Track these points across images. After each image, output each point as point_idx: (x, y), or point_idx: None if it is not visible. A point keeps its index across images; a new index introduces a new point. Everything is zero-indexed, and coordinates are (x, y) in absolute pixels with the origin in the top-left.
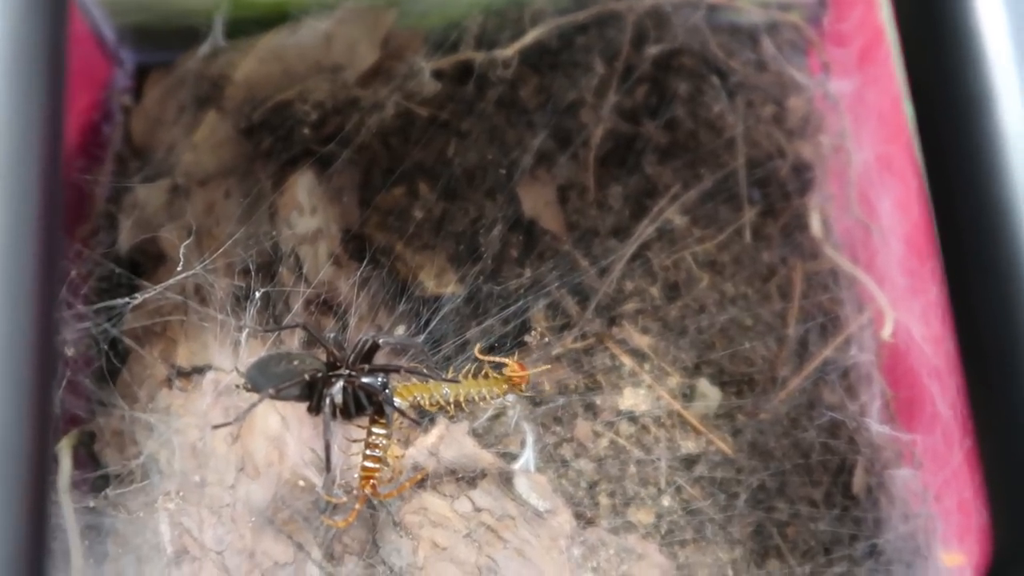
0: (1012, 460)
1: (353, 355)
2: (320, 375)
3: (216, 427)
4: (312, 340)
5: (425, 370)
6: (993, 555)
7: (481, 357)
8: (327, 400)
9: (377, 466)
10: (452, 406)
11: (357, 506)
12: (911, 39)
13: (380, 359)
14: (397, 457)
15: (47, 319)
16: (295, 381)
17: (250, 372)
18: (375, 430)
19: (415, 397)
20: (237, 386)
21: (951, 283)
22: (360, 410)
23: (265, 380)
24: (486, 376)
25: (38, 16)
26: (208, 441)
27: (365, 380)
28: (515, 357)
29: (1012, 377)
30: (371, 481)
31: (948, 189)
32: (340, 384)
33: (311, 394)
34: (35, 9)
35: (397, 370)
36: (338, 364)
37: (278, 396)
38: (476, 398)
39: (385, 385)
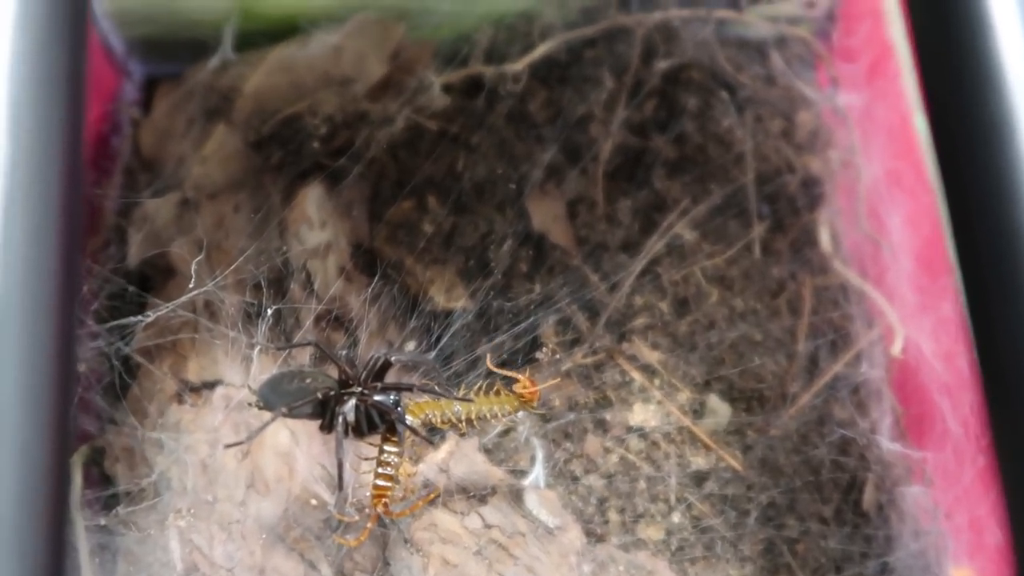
0: None
1: (365, 373)
2: (332, 393)
3: (228, 446)
4: (324, 357)
5: (437, 388)
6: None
7: (494, 369)
8: (339, 418)
9: (389, 484)
10: (464, 423)
11: (369, 525)
12: (927, 53)
13: (391, 376)
14: (409, 475)
15: (66, 336)
16: (308, 400)
17: (262, 390)
18: (387, 448)
19: (427, 415)
20: (249, 404)
21: (969, 298)
22: (372, 428)
23: (277, 398)
24: (497, 393)
25: (58, 31)
26: (218, 457)
27: (377, 398)
28: (526, 373)
29: None
30: (383, 499)
31: (966, 203)
32: (352, 402)
33: (323, 412)
34: (55, 25)
35: (410, 388)
36: (350, 382)
37: (291, 415)
38: (488, 415)
39: (397, 403)
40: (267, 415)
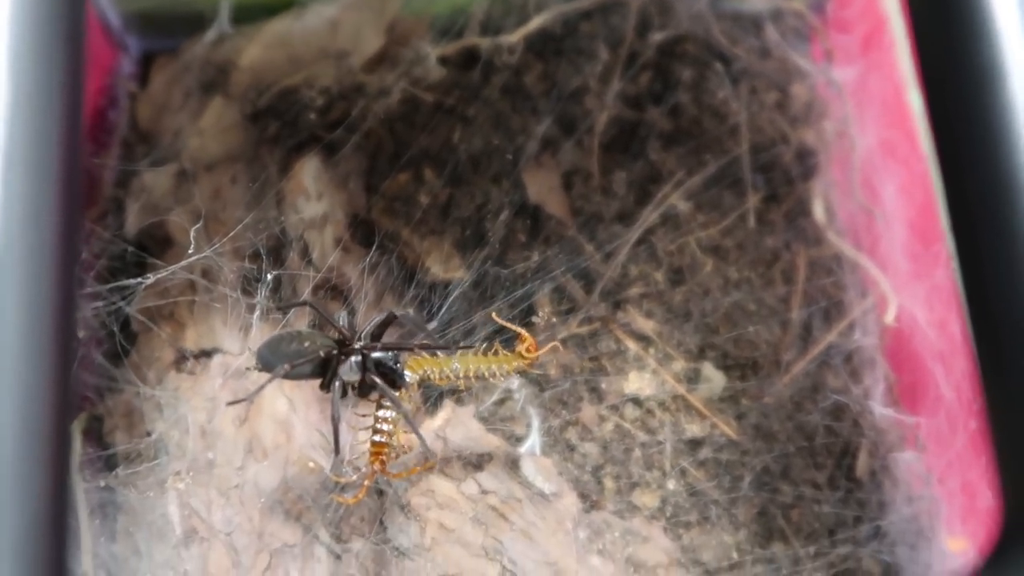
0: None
1: (365, 331)
2: (334, 352)
3: (231, 403)
4: (320, 320)
5: (435, 344)
6: (1002, 530)
7: (500, 321)
8: (336, 379)
9: (386, 441)
10: (462, 380)
11: (366, 482)
12: (922, 23)
13: (388, 338)
14: (405, 432)
15: (67, 299)
16: (309, 358)
17: (261, 352)
18: (384, 404)
19: (425, 371)
20: (248, 368)
21: (963, 264)
22: (374, 386)
23: (276, 359)
24: (496, 353)
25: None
26: (216, 423)
27: (377, 355)
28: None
29: None
30: (380, 457)
31: (960, 172)
32: (352, 360)
33: (323, 371)
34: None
35: (410, 348)
36: (347, 342)
37: (292, 375)
38: (486, 374)
39: (396, 360)
40: (264, 377)
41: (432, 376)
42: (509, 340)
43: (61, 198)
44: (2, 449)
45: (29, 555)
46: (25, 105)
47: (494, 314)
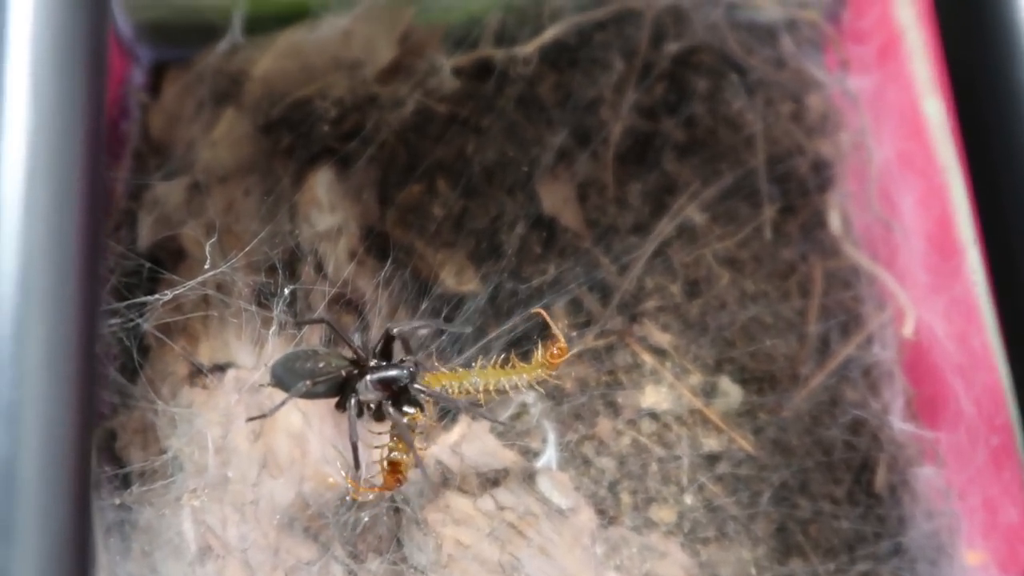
0: None
1: (378, 348)
2: (351, 372)
3: (250, 420)
4: (334, 337)
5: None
6: None
7: (543, 315)
8: (351, 399)
9: (403, 459)
10: (482, 395)
11: (371, 496)
12: (949, 29)
13: (399, 350)
14: (421, 449)
15: (92, 318)
16: (330, 377)
17: (275, 369)
18: (398, 416)
19: (444, 386)
20: (261, 385)
21: (993, 276)
22: (392, 405)
23: (290, 377)
24: (513, 366)
25: (80, 11)
26: (231, 438)
27: (390, 373)
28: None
29: None
30: (396, 476)
31: (991, 182)
32: (368, 380)
33: (338, 391)
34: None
35: (417, 365)
36: (362, 362)
37: (309, 393)
38: (507, 386)
39: (414, 376)
40: (279, 394)
41: (451, 390)
42: (525, 354)
43: (85, 215)
44: (28, 468)
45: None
46: (48, 121)
47: (540, 310)
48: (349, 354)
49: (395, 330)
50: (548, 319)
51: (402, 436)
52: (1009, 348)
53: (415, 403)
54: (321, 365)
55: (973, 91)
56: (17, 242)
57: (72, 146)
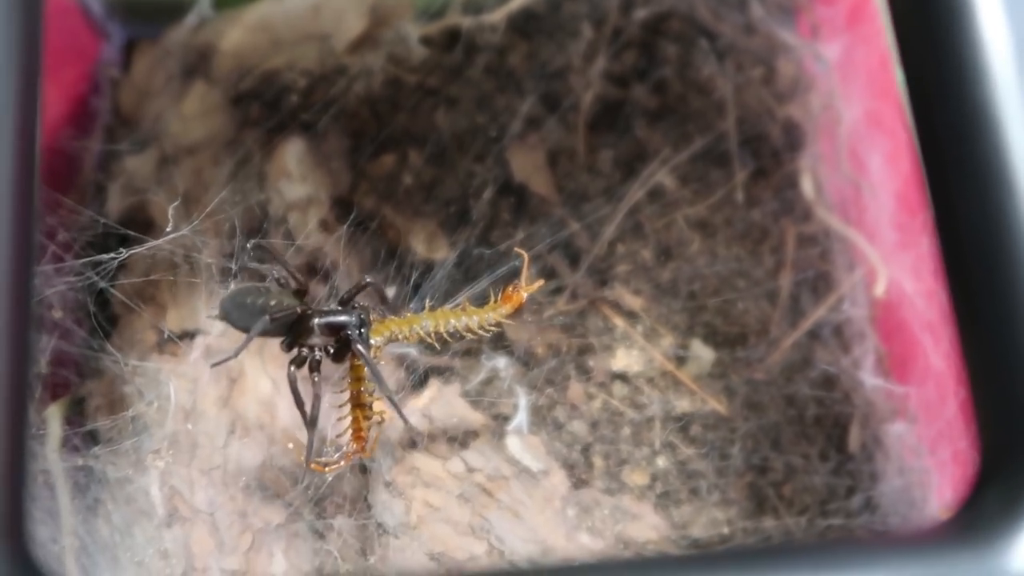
0: (998, 359)
1: (341, 298)
2: (303, 311)
3: (215, 364)
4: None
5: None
6: (982, 457)
7: (522, 254)
8: (296, 350)
9: (368, 413)
10: (433, 337)
11: (343, 462)
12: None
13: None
14: (382, 412)
15: (23, 279)
16: (282, 314)
17: (224, 303)
18: (358, 374)
19: (392, 332)
20: (209, 317)
21: (940, 230)
22: (339, 351)
23: (239, 312)
24: (464, 308)
25: None
26: (199, 403)
27: (341, 318)
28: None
29: (997, 278)
30: (362, 432)
31: (937, 140)
32: (316, 323)
33: (286, 331)
34: None
35: (367, 309)
36: (309, 301)
37: (264, 332)
38: (458, 329)
39: (363, 321)
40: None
41: (400, 336)
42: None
43: (16, 172)
44: None
45: None
46: None
47: (521, 251)
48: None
49: (368, 279)
50: (527, 263)
51: (372, 373)
52: (955, 300)
53: (359, 354)
54: (272, 303)
55: (917, 47)
56: None
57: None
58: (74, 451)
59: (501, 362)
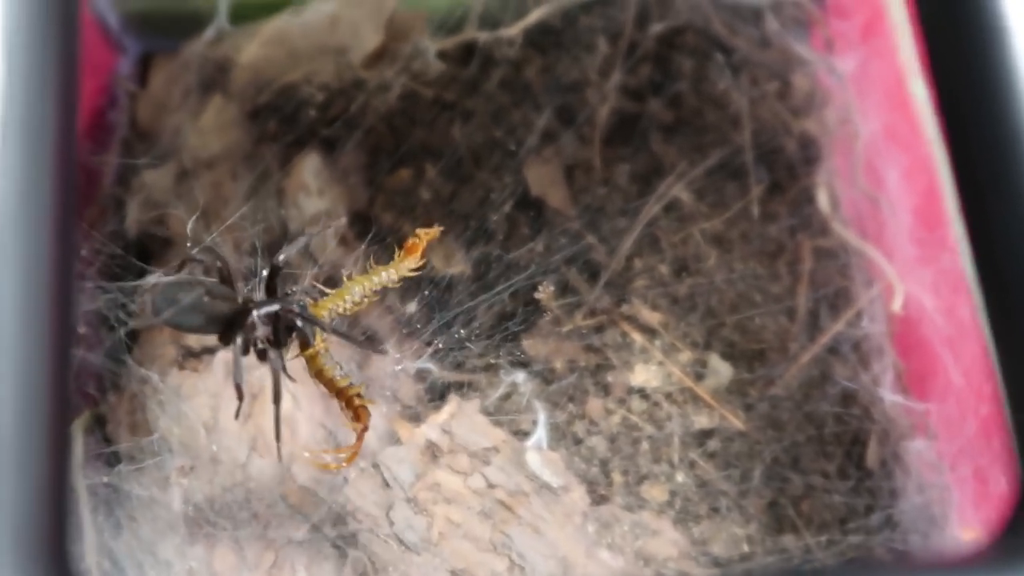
0: None
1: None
2: (240, 307)
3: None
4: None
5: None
6: (1015, 510)
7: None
8: (247, 333)
9: (348, 384)
10: (366, 302)
11: (356, 443)
12: (929, 11)
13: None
14: (347, 378)
15: (65, 300)
16: (216, 312)
17: (153, 294)
18: (316, 351)
19: (331, 309)
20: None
21: (975, 247)
22: (287, 334)
23: (169, 307)
24: (373, 266)
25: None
26: (220, 419)
27: (278, 307)
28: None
29: None
30: (355, 402)
31: (968, 155)
32: (258, 314)
33: (222, 326)
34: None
35: (290, 299)
36: (247, 297)
37: (182, 324)
38: (381, 284)
39: (303, 306)
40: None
41: (339, 310)
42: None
43: (56, 192)
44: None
45: (30, 546)
46: (20, 97)
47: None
48: (237, 290)
49: (280, 258)
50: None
51: (320, 327)
52: (993, 321)
53: (305, 334)
54: (206, 300)
55: (951, 65)
56: None
57: (44, 125)
58: (96, 467)
59: (520, 377)
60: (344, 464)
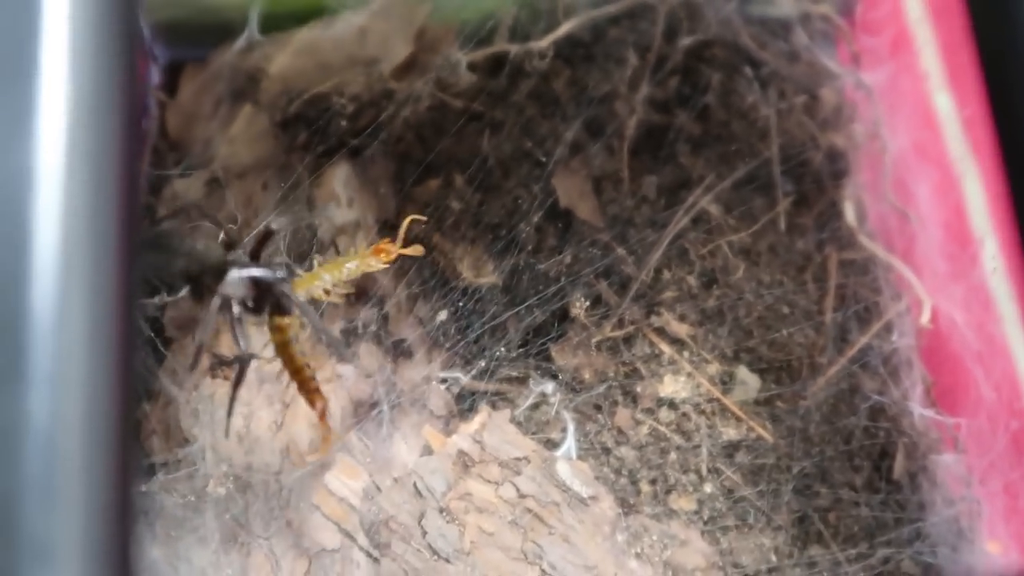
0: None
1: (252, 244)
2: (224, 259)
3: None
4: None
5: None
6: None
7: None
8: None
9: (305, 365)
10: (343, 287)
11: (322, 427)
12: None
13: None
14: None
15: (129, 306)
16: (200, 259)
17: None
18: (286, 323)
19: (308, 291)
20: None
21: None
22: (260, 303)
23: (157, 254)
24: (337, 255)
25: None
26: (253, 428)
27: (263, 273)
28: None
29: None
30: (310, 385)
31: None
32: (238, 274)
33: (201, 278)
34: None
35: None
36: (234, 249)
37: (158, 262)
38: (351, 274)
39: (284, 279)
40: None
41: (316, 293)
42: None
43: (122, 201)
44: (70, 447)
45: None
46: (87, 111)
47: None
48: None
49: (275, 224)
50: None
51: (304, 314)
52: None
53: (284, 310)
54: (200, 246)
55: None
56: (57, 217)
57: (110, 136)
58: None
59: (549, 387)
60: (325, 448)
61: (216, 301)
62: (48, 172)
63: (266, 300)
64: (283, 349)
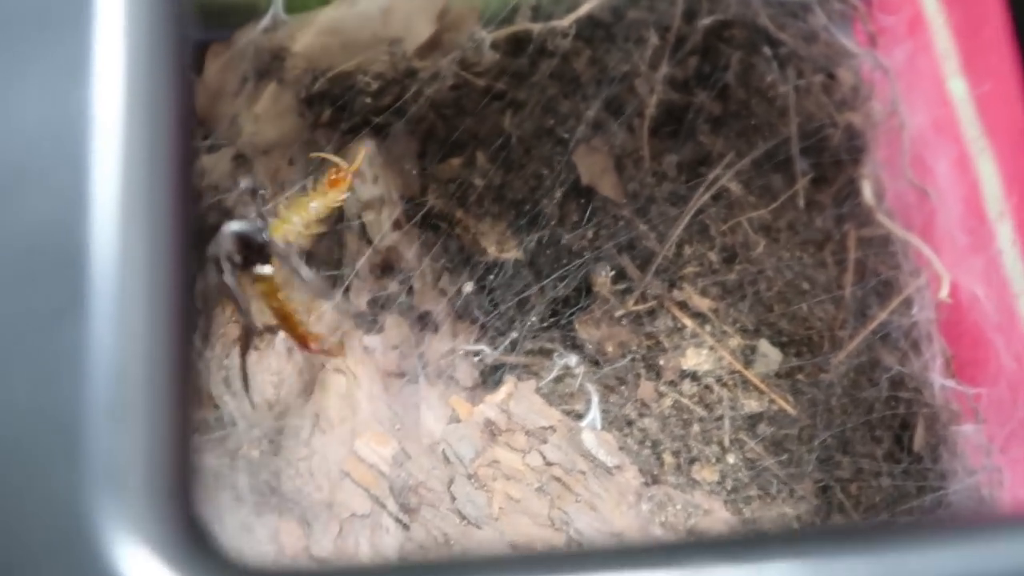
0: None
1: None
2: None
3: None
4: None
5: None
6: None
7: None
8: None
9: (293, 311)
10: (315, 227)
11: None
12: None
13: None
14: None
15: (185, 249)
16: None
17: None
18: (261, 272)
19: (284, 234)
20: None
21: None
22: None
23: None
24: (315, 190)
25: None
26: (283, 396)
27: (248, 227)
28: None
29: None
30: (298, 330)
31: None
32: (227, 232)
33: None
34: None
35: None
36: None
37: None
38: (318, 214)
39: (263, 227)
40: None
41: (291, 237)
42: None
43: (176, 139)
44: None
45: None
46: (143, 54)
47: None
48: None
49: (243, 183)
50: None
51: (285, 256)
52: None
53: (265, 259)
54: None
55: None
56: (115, 157)
57: (166, 125)
58: None
59: (573, 360)
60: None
61: (227, 266)
62: (106, 114)
63: (250, 253)
64: (271, 297)
